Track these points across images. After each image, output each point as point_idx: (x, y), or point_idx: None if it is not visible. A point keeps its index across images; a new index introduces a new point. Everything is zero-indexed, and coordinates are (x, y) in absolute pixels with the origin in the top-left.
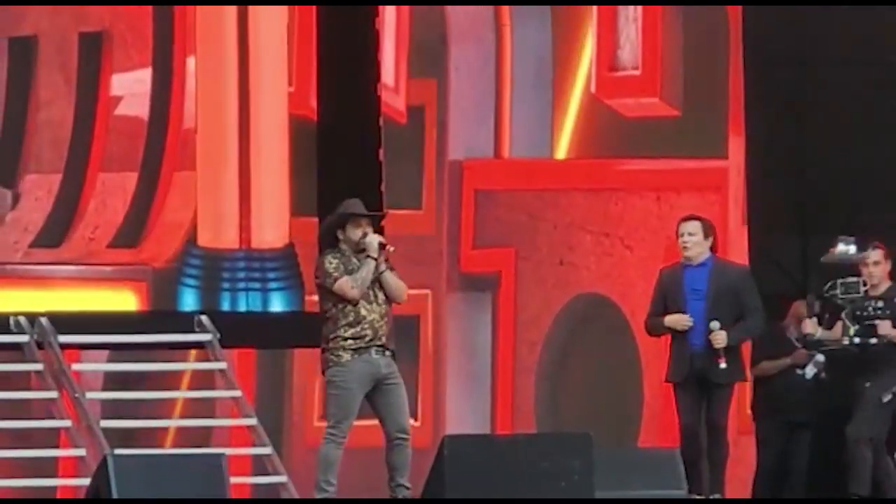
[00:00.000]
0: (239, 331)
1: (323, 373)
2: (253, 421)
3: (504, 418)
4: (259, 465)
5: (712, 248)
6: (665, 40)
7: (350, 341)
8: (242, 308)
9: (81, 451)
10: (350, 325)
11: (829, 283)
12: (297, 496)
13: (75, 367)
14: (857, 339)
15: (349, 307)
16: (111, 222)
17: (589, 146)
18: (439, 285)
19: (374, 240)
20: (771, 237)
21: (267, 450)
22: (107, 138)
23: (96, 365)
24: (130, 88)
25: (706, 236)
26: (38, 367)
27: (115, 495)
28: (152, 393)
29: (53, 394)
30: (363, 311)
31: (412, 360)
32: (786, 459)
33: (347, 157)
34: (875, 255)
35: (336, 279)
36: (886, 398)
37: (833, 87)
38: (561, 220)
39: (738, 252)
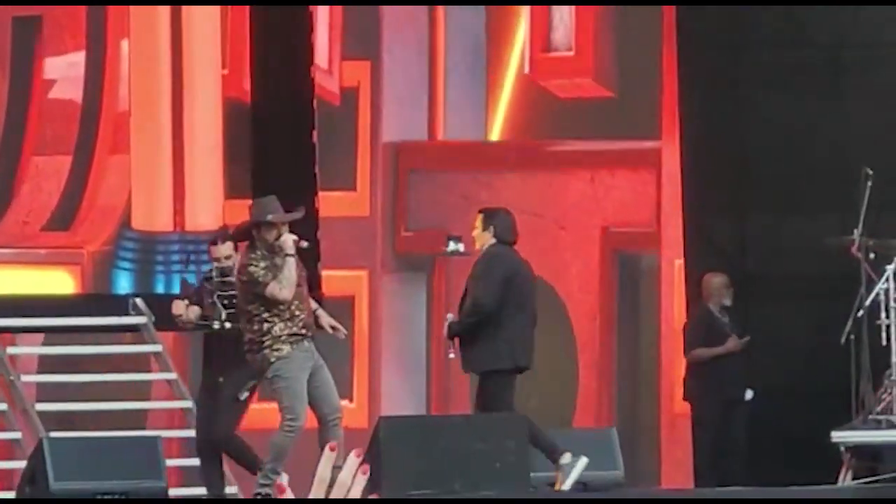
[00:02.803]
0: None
1: (261, 371)
2: (188, 403)
3: (439, 399)
4: (191, 448)
5: (496, 236)
6: (598, 21)
7: (287, 336)
8: (176, 290)
9: (17, 434)
10: (285, 322)
11: (210, 268)
12: (231, 478)
13: (10, 350)
14: (227, 324)
15: (282, 306)
16: (45, 205)
17: (523, 127)
18: (374, 266)
19: (288, 238)
20: (706, 217)
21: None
22: (41, 122)
23: (31, 348)
24: (64, 72)
25: (484, 228)
26: None
27: (51, 478)
28: (87, 376)
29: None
30: (293, 307)
31: (347, 340)
32: (724, 438)
33: (281, 139)
34: (225, 248)
35: (266, 285)
36: (243, 396)
37: (768, 66)
38: (495, 201)
39: (673, 232)
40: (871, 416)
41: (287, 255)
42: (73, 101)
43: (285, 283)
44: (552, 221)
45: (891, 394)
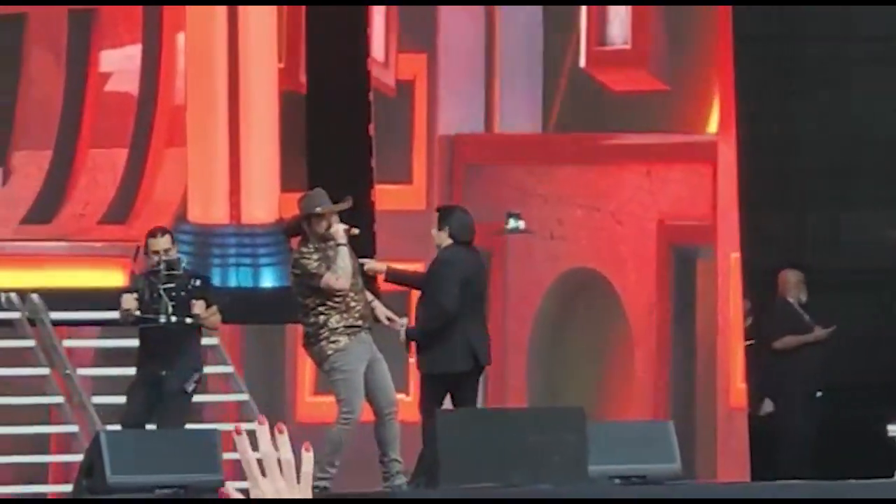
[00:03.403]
0: (230, 306)
1: (319, 364)
2: (245, 396)
3: (496, 393)
4: (251, 441)
5: (452, 236)
6: (654, 14)
7: (343, 328)
8: (233, 284)
9: (73, 428)
10: (341, 314)
11: (157, 260)
12: None
13: (66, 343)
14: (173, 318)
15: (338, 297)
16: (101, 199)
17: (579, 120)
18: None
19: (339, 228)
20: (762, 210)
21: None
22: (97, 115)
23: (87, 341)
24: (120, 65)
25: (440, 227)
26: (30, 343)
27: (108, 471)
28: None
29: (45, 370)
30: (349, 299)
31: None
32: (791, 429)
33: (337, 132)
34: (164, 241)
35: (321, 277)
36: (190, 388)
37: (824, 59)
38: (551, 195)
39: (729, 226)
40: None
41: (339, 244)
42: (129, 93)
43: (340, 272)
44: (608, 215)
45: None
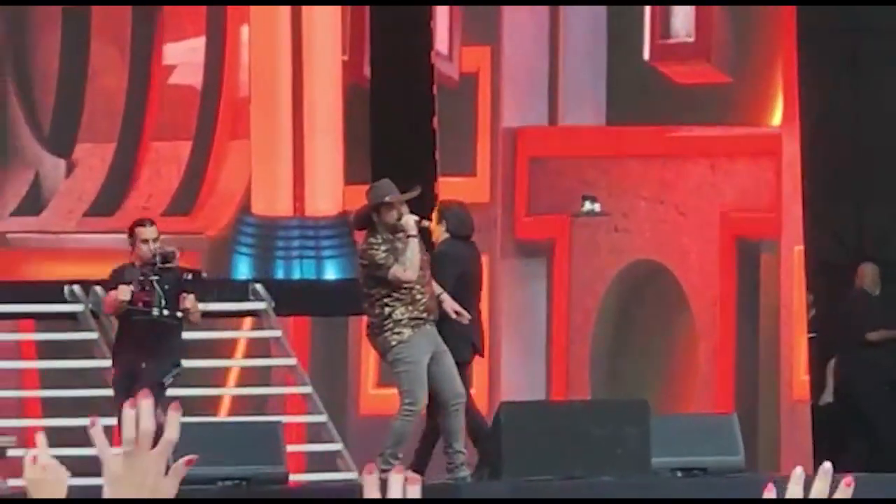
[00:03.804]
0: (293, 299)
1: (383, 355)
2: (308, 389)
3: (559, 385)
4: (314, 433)
5: (449, 231)
6: (718, 7)
7: (408, 320)
8: (297, 276)
9: None
10: (406, 306)
11: (151, 250)
12: (351, 464)
13: None
14: (165, 311)
15: (404, 289)
16: (165, 191)
17: (643, 113)
18: (494, 252)
19: (409, 219)
20: (826, 203)
21: (322, 418)
22: (160, 107)
23: None
24: (184, 57)
25: (438, 222)
26: (93, 336)
27: (171, 463)
28: (208, 361)
29: (107, 363)
30: (415, 291)
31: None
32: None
33: (401, 124)
34: (151, 231)
35: (388, 268)
36: (168, 381)
37: (888, 51)
38: (614, 188)
39: (794, 219)
40: None
41: (409, 235)
42: (192, 86)
43: (409, 264)
44: (672, 207)
45: None
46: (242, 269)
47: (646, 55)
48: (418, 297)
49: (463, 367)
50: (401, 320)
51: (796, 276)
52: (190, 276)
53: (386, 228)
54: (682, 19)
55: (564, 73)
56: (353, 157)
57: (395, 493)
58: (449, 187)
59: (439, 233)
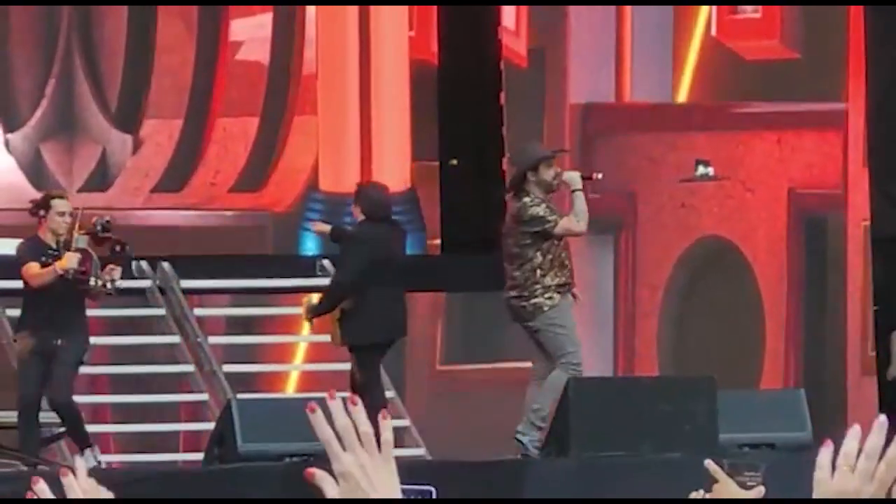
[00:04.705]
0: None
1: (527, 319)
2: None
3: (626, 361)
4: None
5: (365, 213)
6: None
7: (556, 286)
8: None
9: (204, 396)
10: (557, 270)
11: (96, 221)
12: (419, 440)
13: (197, 311)
14: (99, 282)
15: (553, 255)
16: (232, 167)
17: (709, 89)
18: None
19: (573, 174)
20: (891, 180)
21: (390, 393)
22: (228, 84)
23: (218, 310)
24: (251, 34)
25: (355, 203)
26: (161, 311)
27: (239, 440)
28: (274, 337)
29: (176, 338)
30: (563, 256)
31: None
32: None
33: (468, 101)
34: (67, 204)
35: (556, 222)
36: (86, 359)
37: None
38: (682, 163)
39: (860, 194)
40: None
41: (575, 190)
42: (259, 62)
43: (582, 215)
44: (738, 183)
45: None
46: (310, 246)
47: (714, 31)
48: (566, 262)
49: (380, 348)
50: (551, 286)
51: (863, 252)
52: (118, 248)
53: (541, 187)
54: None
55: (631, 49)
56: (420, 134)
57: (340, 418)
58: None
59: (356, 214)
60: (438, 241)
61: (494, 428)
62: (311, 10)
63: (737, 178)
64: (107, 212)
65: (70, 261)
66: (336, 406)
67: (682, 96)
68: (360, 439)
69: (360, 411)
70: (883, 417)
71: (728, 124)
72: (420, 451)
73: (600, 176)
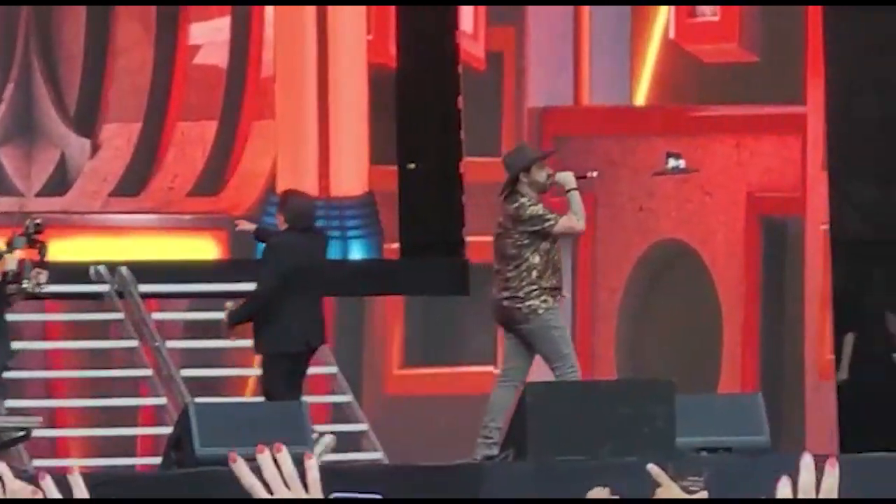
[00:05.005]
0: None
1: (519, 322)
2: (333, 369)
3: (585, 364)
4: (339, 413)
5: (288, 221)
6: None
7: (550, 289)
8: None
9: (162, 400)
10: (552, 273)
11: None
12: (377, 444)
13: (155, 316)
14: (28, 284)
15: (548, 257)
16: (191, 171)
17: (668, 92)
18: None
19: (567, 174)
20: (851, 182)
21: (347, 397)
22: (186, 87)
23: (176, 314)
24: (209, 37)
25: (278, 212)
26: (119, 316)
27: (196, 444)
28: (232, 341)
29: (133, 343)
30: (557, 259)
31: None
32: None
33: (426, 104)
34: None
35: (556, 220)
36: (11, 364)
37: None
38: (640, 167)
39: (819, 197)
40: None
41: (570, 189)
42: (217, 66)
43: (580, 214)
44: (697, 187)
45: None
46: None
47: (672, 34)
48: (559, 265)
49: (295, 358)
50: (546, 288)
51: (822, 256)
52: (45, 251)
53: (534, 188)
54: None
55: (589, 53)
56: (378, 137)
57: (267, 470)
58: (475, 168)
59: (279, 222)
60: (397, 245)
61: (452, 432)
62: (269, 13)
63: (695, 181)
64: (64, 215)
65: (9, 263)
66: (264, 459)
67: (641, 99)
68: (285, 482)
69: (285, 455)
70: (808, 456)
71: (686, 128)
72: (377, 455)
73: (595, 174)
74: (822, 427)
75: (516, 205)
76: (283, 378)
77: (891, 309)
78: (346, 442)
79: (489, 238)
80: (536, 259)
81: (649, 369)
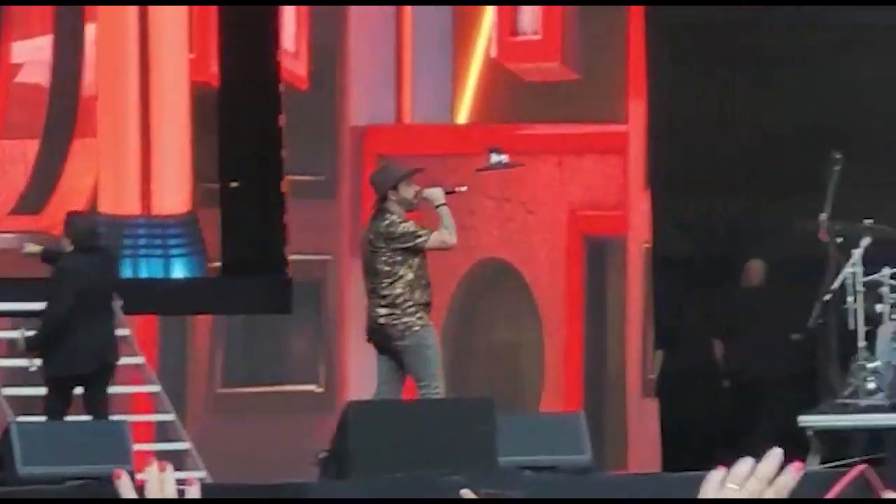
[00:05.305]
0: (141, 297)
1: (396, 339)
2: (156, 388)
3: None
4: (162, 432)
5: (74, 243)
6: (565, 4)
7: (424, 304)
8: (144, 274)
9: None
10: (423, 289)
11: None
12: (200, 463)
13: None
14: None
15: (421, 272)
16: (13, 189)
17: (490, 111)
18: (341, 250)
19: (436, 190)
20: (674, 201)
21: (170, 416)
22: (8, 106)
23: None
24: (31, 56)
25: (65, 234)
26: None
27: (19, 463)
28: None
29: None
30: (426, 275)
31: (315, 325)
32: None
33: (249, 123)
34: None
35: (427, 235)
36: None
37: (736, 48)
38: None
39: (640, 216)
40: (838, 401)
41: (439, 205)
42: (40, 85)
43: (452, 228)
44: (520, 205)
45: (857, 378)
46: None
47: (494, 53)
48: (426, 281)
49: (88, 378)
50: (420, 303)
51: (644, 273)
52: None
53: (402, 205)
54: (530, 17)
55: (412, 71)
56: (200, 156)
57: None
58: (296, 186)
59: (64, 245)
60: (219, 264)
61: (275, 450)
62: (91, 31)
63: (518, 199)
64: None
65: None
66: (150, 477)
67: (463, 118)
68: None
69: (169, 474)
70: (778, 449)
71: (508, 146)
72: (201, 474)
73: (464, 189)
74: (644, 445)
75: (387, 222)
76: (64, 401)
77: (711, 328)
78: (169, 461)
79: (312, 256)
80: (410, 275)
81: (472, 388)
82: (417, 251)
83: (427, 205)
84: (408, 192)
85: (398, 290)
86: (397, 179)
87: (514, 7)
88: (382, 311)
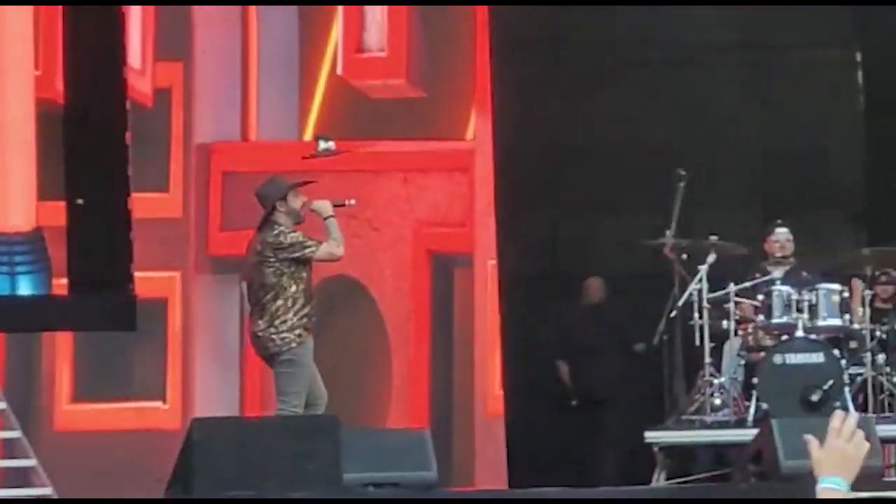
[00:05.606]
0: None
1: (274, 356)
2: (2, 405)
3: (253, 401)
4: (8, 449)
5: None
6: (411, 21)
7: (305, 320)
8: None
9: None
10: (303, 306)
11: None
12: (45, 479)
13: None
14: None
15: (305, 287)
16: None
17: (336, 127)
18: (187, 268)
19: (323, 203)
20: (520, 218)
21: (16, 433)
22: None
23: None
24: None
25: None
26: None
27: None
28: None
29: None
30: (309, 291)
31: (160, 342)
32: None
33: (94, 140)
34: None
35: (316, 246)
36: None
37: (583, 66)
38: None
39: (487, 233)
40: (683, 417)
41: (327, 217)
42: None
43: (339, 240)
44: (365, 222)
45: (703, 394)
46: None
47: (339, 70)
48: (310, 295)
49: None
50: (302, 318)
51: (490, 291)
52: None
53: (290, 217)
54: (375, 33)
55: (257, 88)
56: (46, 173)
57: None
58: (142, 203)
59: None
60: (66, 281)
61: (122, 466)
62: None
63: (363, 216)
64: None
65: None
66: None
67: (309, 135)
68: None
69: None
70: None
71: (354, 163)
72: (47, 491)
73: (353, 202)
74: (491, 463)
75: (275, 232)
76: None
77: (558, 346)
78: (14, 477)
79: (158, 273)
80: (295, 287)
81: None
82: (306, 262)
83: (316, 216)
84: (296, 202)
85: (280, 303)
86: (286, 190)
87: (360, 24)
88: (262, 323)
